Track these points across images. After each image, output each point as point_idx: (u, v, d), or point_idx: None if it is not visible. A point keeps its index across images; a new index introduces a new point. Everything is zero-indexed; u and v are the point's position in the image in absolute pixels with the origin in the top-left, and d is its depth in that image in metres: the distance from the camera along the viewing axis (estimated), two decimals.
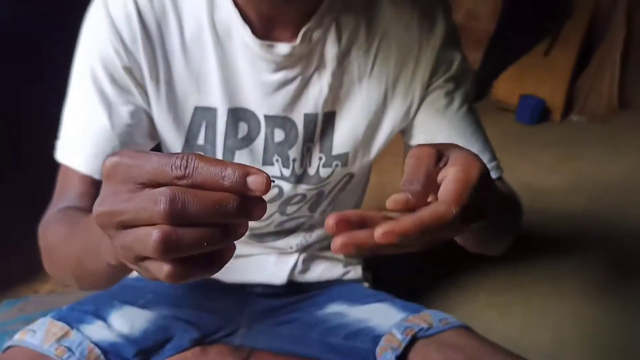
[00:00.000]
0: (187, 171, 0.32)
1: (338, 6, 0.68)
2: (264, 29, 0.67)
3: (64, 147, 0.69)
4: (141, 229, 0.32)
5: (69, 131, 0.69)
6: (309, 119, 0.72)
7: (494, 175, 0.77)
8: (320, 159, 0.75)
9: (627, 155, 2.66)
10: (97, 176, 0.67)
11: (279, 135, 0.72)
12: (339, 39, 0.69)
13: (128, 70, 0.65)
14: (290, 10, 0.66)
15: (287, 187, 0.76)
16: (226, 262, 0.35)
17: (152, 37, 0.65)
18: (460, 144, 0.68)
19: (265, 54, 0.66)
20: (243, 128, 0.71)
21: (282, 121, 0.71)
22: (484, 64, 3.27)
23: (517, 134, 2.89)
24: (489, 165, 0.76)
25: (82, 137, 0.67)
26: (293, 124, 0.72)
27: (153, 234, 0.31)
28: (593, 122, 3.16)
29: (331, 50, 0.69)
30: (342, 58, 0.70)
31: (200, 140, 0.71)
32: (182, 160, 0.32)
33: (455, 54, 0.75)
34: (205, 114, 0.69)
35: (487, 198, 0.44)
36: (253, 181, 0.32)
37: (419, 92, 0.74)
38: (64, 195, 0.68)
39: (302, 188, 0.77)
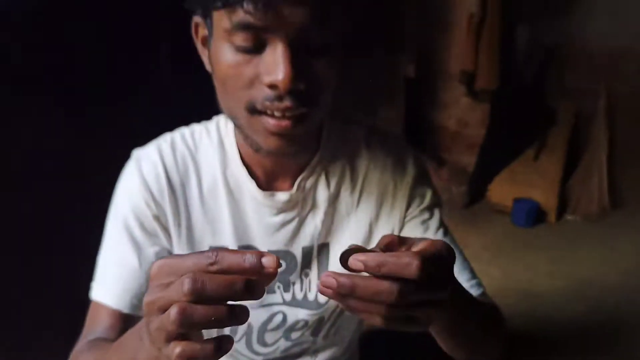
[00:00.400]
0: (217, 259, 0.42)
1: (326, 159, 0.82)
2: (267, 181, 0.80)
3: (97, 286, 0.77)
4: (166, 312, 0.42)
5: (102, 272, 0.78)
6: (306, 251, 0.83)
7: (474, 292, 0.82)
8: (317, 285, 0.84)
9: (622, 256, 2.72)
10: (125, 310, 0.75)
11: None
12: (328, 185, 0.82)
13: (156, 219, 0.77)
14: (288, 165, 0.79)
15: (289, 312, 0.84)
16: (244, 321, 0.44)
17: (176, 191, 0.78)
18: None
19: (268, 201, 0.79)
20: None
21: (283, 254, 0.81)
22: (477, 168, 3.43)
23: (514, 237, 2.97)
24: (469, 284, 0.82)
25: (113, 276, 0.76)
26: (293, 256, 0.82)
27: (173, 309, 0.41)
28: (587, 222, 3.25)
29: (322, 194, 0.82)
30: (332, 199, 0.82)
31: None
32: (212, 252, 0.43)
33: (427, 189, 0.85)
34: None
35: (449, 278, 0.51)
36: (266, 260, 0.43)
37: (397, 223, 0.84)
38: (93, 329, 0.75)
39: (304, 313, 0.84)
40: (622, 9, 3.26)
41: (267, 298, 0.82)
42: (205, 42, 0.68)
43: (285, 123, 0.63)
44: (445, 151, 4.04)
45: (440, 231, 0.84)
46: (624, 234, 3.02)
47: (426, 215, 0.84)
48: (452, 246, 0.84)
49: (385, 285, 0.44)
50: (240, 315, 0.43)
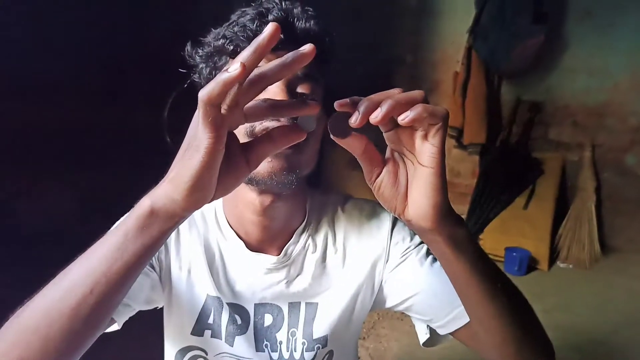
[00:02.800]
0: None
1: (311, 226, 0.90)
2: (255, 245, 0.87)
3: None
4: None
5: None
6: (293, 305, 0.89)
7: (465, 320, 0.79)
8: (304, 343, 0.89)
9: (614, 306, 2.76)
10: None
11: (267, 319, 0.89)
12: (314, 249, 0.89)
13: (159, 258, 0.85)
14: (274, 232, 0.86)
15: None
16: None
17: (181, 238, 0.87)
18: (447, 289, 0.76)
19: (255, 261, 0.86)
20: (239, 318, 0.88)
21: (270, 307, 0.88)
22: (469, 219, 3.52)
23: None
24: (459, 309, 0.79)
25: None
26: (279, 309, 0.89)
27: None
28: (579, 269, 3.31)
29: (310, 259, 0.89)
30: (319, 262, 0.90)
31: (210, 320, 0.87)
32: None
33: (404, 234, 0.91)
34: (214, 302, 0.87)
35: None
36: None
37: (380, 274, 0.90)
38: None
39: None
40: (599, 66, 3.45)
41: (256, 355, 0.88)
42: None
43: None
44: None
45: (428, 261, 0.86)
46: (616, 281, 3.08)
47: (413, 252, 0.88)
48: (442, 274, 0.80)
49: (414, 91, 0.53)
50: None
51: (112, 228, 0.58)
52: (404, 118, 0.51)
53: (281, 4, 0.75)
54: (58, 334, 0.56)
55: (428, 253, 0.89)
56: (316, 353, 0.89)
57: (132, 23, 2.38)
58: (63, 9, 2.16)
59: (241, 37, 0.72)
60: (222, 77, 0.45)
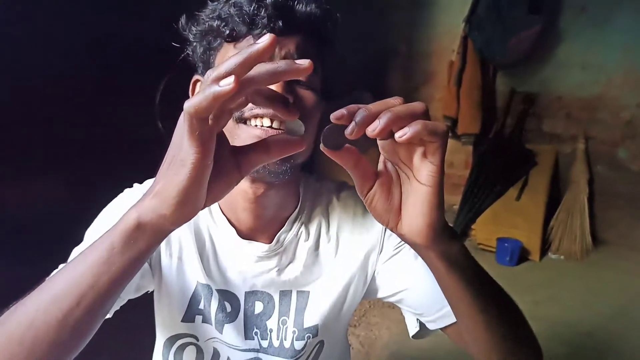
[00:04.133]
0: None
1: (304, 214, 0.89)
2: (247, 233, 0.86)
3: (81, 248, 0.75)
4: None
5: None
6: (284, 294, 0.88)
7: (452, 319, 0.81)
8: (294, 332, 0.88)
9: (603, 299, 2.78)
10: None
11: (258, 307, 0.88)
12: (307, 237, 0.88)
13: None
14: (267, 220, 0.85)
15: (266, 359, 0.88)
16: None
17: None
18: (429, 286, 0.81)
19: (247, 249, 0.84)
20: (229, 305, 0.87)
21: (261, 295, 0.87)
22: (462, 209, 3.53)
23: (498, 277, 2.99)
24: (447, 309, 0.80)
25: None
26: (270, 297, 0.88)
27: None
28: (570, 260, 3.34)
29: (302, 247, 0.88)
30: (312, 250, 0.88)
31: (201, 306, 0.86)
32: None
33: None
34: (204, 289, 0.86)
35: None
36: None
37: (373, 265, 0.90)
38: None
39: None
40: (593, 60, 3.45)
41: (246, 343, 0.87)
42: None
43: (271, 132, 0.70)
44: None
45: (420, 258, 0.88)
46: (606, 274, 3.10)
47: (406, 247, 0.88)
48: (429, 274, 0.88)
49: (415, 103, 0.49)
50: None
51: (97, 239, 0.55)
52: (401, 135, 0.48)
53: None
54: (45, 345, 0.55)
55: None
56: (306, 342, 0.89)
57: (124, 13, 2.35)
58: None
59: (237, 20, 0.70)
60: (212, 90, 0.42)
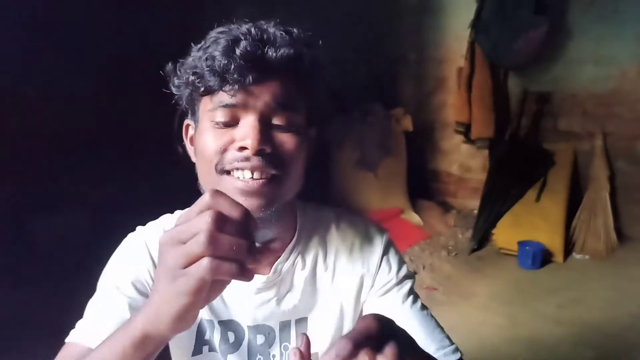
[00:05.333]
0: (212, 198, 0.54)
1: (302, 243, 0.91)
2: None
3: (76, 330, 0.81)
4: (193, 238, 0.51)
5: (84, 320, 0.82)
6: (284, 324, 0.90)
7: (453, 358, 0.85)
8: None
9: (631, 299, 2.71)
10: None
11: (260, 339, 0.90)
12: (304, 266, 0.90)
13: (153, 282, 0.84)
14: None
15: None
16: (249, 278, 0.54)
17: None
18: (420, 333, 0.84)
19: (248, 283, 0.81)
20: (232, 336, 0.89)
21: (262, 328, 0.89)
22: (481, 214, 3.50)
23: (521, 281, 3.00)
24: (442, 352, 0.85)
25: (105, 325, 0.77)
26: (271, 329, 0.90)
27: (202, 235, 0.50)
28: (596, 259, 3.27)
29: (299, 276, 0.90)
30: (309, 279, 0.90)
31: (207, 337, 0.89)
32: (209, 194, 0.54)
33: (393, 264, 0.93)
34: (209, 324, 0.89)
35: (403, 343, 0.54)
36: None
37: (365, 296, 0.92)
38: None
39: None
40: (605, 54, 3.40)
41: None
42: (192, 140, 0.82)
43: (253, 182, 0.74)
44: (451, 196, 4.14)
45: (407, 302, 0.89)
46: (634, 271, 3.02)
47: (394, 289, 0.91)
48: (422, 315, 0.90)
49: None
50: (254, 257, 0.54)
51: (110, 338, 0.63)
52: None
53: (251, 31, 0.73)
54: None
55: (410, 292, 0.91)
56: None
57: (140, 36, 2.42)
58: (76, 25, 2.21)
59: (209, 76, 0.72)
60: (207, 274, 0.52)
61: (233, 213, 0.54)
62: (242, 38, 0.72)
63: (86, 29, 2.28)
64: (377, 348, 0.53)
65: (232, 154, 0.74)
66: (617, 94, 3.42)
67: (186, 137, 0.86)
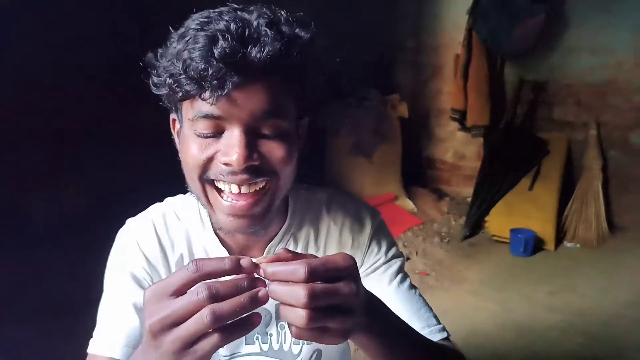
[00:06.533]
0: (198, 268, 0.51)
1: (294, 226, 0.91)
2: (239, 250, 0.89)
3: (96, 340, 0.83)
4: (193, 318, 0.49)
5: (101, 328, 0.84)
6: (279, 305, 0.90)
7: (439, 336, 0.85)
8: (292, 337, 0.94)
9: (621, 287, 2.75)
10: (120, 357, 0.79)
11: None
12: (295, 248, 0.90)
13: (151, 279, 0.86)
14: (258, 239, 0.88)
15: None
16: (257, 323, 0.53)
17: (168, 255, 0.87)
18: (405, 312, 0.85)
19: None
20: None
21: (259, 309, 0.89)
22: (474, 201, 3.52)
23: (512, 268, 3.03)
24: (428, 330, 0.85)
25: (111, 331, 0.81)
26: (267, 311, 0.90)
27: (205, 313, 0.48)
28: (586, 248, 3.31)
29: None
30: None
31: None
32: (192, 263, 0.51)
33: (383, 243, 0.94)
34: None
35: (356, 288, 0.55)
36: (244, 262, 0.52)
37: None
38: None
39: None
40: (602, 44, 3.40)
41: (246, 348, 0.90)
42: (179, 134, 0.78)
43: (239, 205, 0.72)
44: (445, 184, 4.15)
45: (395, 281, 0.90)
46: (623, 261, 3.07)
47: (382, 268, 0.91)
48: (409, 295, 0.91)
49: (295, 288, 0.52)
50: (256, 300, 0.52)
51: None
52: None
53: (231, 27, 0.64)
54: None
55: (398, 271, 0.91)
56: (301, 348, 0.92)
57: (139, 22, 2.39)
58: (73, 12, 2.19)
59: (185, 82, 0.66)
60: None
61: (224, 268, 0.52)
62: (220, 37, 0.63)
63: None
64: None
65: (217, 166, 0.70)
66: (612, 84, 3.44)
67: (174, 130, 0.82)
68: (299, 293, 0.51)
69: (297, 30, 0.69)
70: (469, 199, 3.68)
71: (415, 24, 3.94)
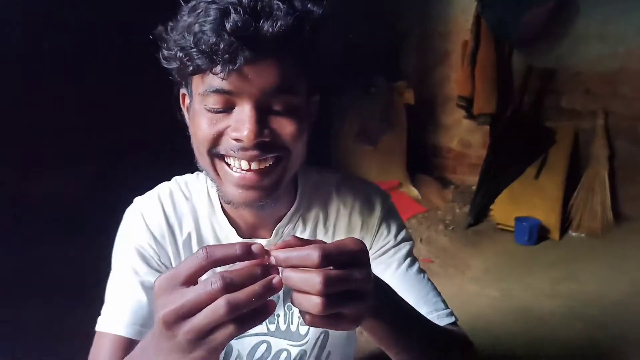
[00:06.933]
0: (208, 255, 0.49)
1: (303, 208, 0.91)
2: (247, 230, 0.89)
3: (104, 318, 0.84)
4: (209, 308, 0.48)
5: (110, 306, 0.83)
6: (286, 287, 0.91)
7: (447, 321, 0.85)
8: (299, 317, 0.91)
9: (623, 275, 2.75)
10: (131, 336, 0.79)
11: None
12: (304, 229, 0.90)
13: (159, 258, 0.86)
14: (266, 217, 0.88)
15: (273, 342, 0.91)
16: (272, 311, 0.51)
17: (175, 233, 0.87)
18: (412, 296, 0.85)
19: None
20: None
21: None
22: (479, 189, 3.52)
23: (516, 256, 3.03)
24: (435, 314, 0.85)
25: (120, 308, 0.81)
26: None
27: (221, 303, 0.47)
28: (591, 238, 3.30)
29: None
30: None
31: None
32: (202, 250, 0.49)
33: (392, 227, 0.92)
34: None
35: (367, 273, 0.54)
36: (255, 248, 0.51)
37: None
38: (96, 358, 0.81)
39: (286, 344, 0.91)
40: (612, 32, 3.36)
41: (253, 329, 0.91)
42: (189, 109, 0.78)
43: (250, 176, 0.72)
44: (450, 172, 4.14)
45: (404, 265, 0.90)
46: (628, 250, 3.06)
47: (391, 251, 0.91)
48: (417, 278, 0.91)
49: (310, 274, 0.50)
50: (271, 288, 0.50)
51: None
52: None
53: (242, 0, 0.64)
54: None
55: (407, 255, 0.91)
56: (309, 328, 0.92)
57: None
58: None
59: (196, 56, 0.65)
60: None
61: (235, 254, 0.51)
62: (232, 10, 0.63)
63: None
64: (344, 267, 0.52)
65: (227, 142, 0.71)
66: (622, 73, 3.39)
67: (183, 106, 0.82)
68: (314, 280, 0.49)
69: (309, 5, 0.69)
70: (474, 188, 3.67)
71: (423, 10, 3.90)
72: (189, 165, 0.90)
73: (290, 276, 0.51)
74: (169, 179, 0.94)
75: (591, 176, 3.48)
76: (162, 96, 0.80)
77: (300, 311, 0.53)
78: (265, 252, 0.52)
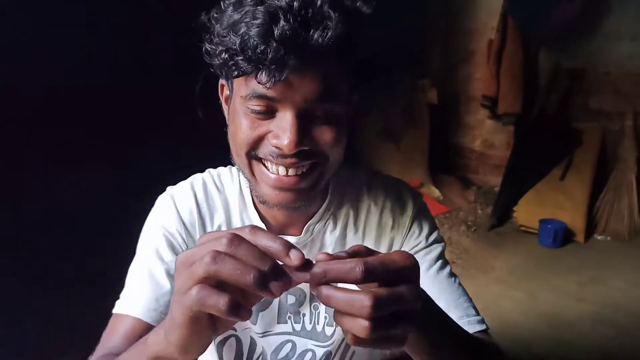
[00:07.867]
0: (254, 234, 0.48)
1: (334, 205, 0.89)
2: (278, 227, 0.87)
3: (124, 300, 0.81)
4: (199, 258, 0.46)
5: (131, 289, 0.82)
6: None
7: (477, 328, 0.82)
8: (326, 318, 0.90)
9: None
10: (148, 320, 0.78)
11: (290, 299, 0.89)
12: (335, 228, 0.89)
13: (186, 246, 0.86)
14: (297, 216, 0.86)
15: (299, 342, 0.89)
16: (243, 315, 0.46)
17: (206, 223, 0.87)
18: (443, 299, 0.82)
19: None
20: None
21: (293, 289, 0.84)
22: (503, 190, 3.46)
23: (541, 259, 2.97)
24: (466, 320, 0.82)
25: (141, 292, 0.80)
26: (302, 291, 0.89)
27: (209, 254, 0.45)
28: (617, 242, 3.23)
29: (330, 237, 0.88)
30: (340, 240, 0.89)
31: None
32: (226, 238, 0.47)
33: (424, 227, 0.90)
34: None
35: (415, 289, 0.49)
36: (295, 255, 0.47)
37: None
38: (111, 339, 0.79)
39: (311, 344, 0.90)
40: None
41: (278, 327, 0.89)
42: (227, 100, 0.77)
43: (287, 179, 0.71)
44: (472, 172, 4.09)
45: (435, 267, 0.87)
46: None
47: (422, 252, 0.88)
48: (448, 282, 0.88)
49: (357, 296, 0.46)
50: (259, 296, 0.49)
51: (133, 350, 0.63)
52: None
53: (293, 5, 0.61)
54: None
55: (439, 257, 0.88)
56: (335, 329, 0.90)
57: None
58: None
59: (242, 62, 0.63)
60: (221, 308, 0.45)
61: (275, 248, 0.48)
62: (282, 16, 0.60)
63: None
64: (390, 283, 0.48)
65: (267, 147, 0.70)
66: None
67: (221, 96, 0.81)
68: (362, 302, 0.45)
69: (359, 3, 0.67)
70: (496, 189, 3.61)
71: (448, 6, 3.85)
72: (208, 166, 0.92)
73: (333, 296, 0.46)
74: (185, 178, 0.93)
75: (618, 178, 3.40)
76: (182, 96, 0.79)
77: (343, 329, 0.49)
78: (305, 261, 0.47)
